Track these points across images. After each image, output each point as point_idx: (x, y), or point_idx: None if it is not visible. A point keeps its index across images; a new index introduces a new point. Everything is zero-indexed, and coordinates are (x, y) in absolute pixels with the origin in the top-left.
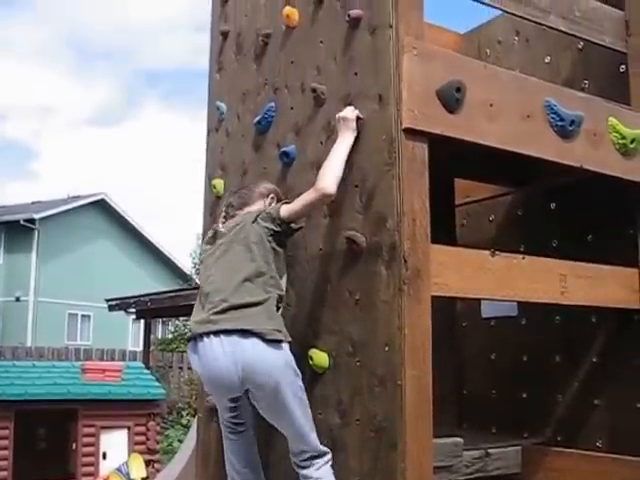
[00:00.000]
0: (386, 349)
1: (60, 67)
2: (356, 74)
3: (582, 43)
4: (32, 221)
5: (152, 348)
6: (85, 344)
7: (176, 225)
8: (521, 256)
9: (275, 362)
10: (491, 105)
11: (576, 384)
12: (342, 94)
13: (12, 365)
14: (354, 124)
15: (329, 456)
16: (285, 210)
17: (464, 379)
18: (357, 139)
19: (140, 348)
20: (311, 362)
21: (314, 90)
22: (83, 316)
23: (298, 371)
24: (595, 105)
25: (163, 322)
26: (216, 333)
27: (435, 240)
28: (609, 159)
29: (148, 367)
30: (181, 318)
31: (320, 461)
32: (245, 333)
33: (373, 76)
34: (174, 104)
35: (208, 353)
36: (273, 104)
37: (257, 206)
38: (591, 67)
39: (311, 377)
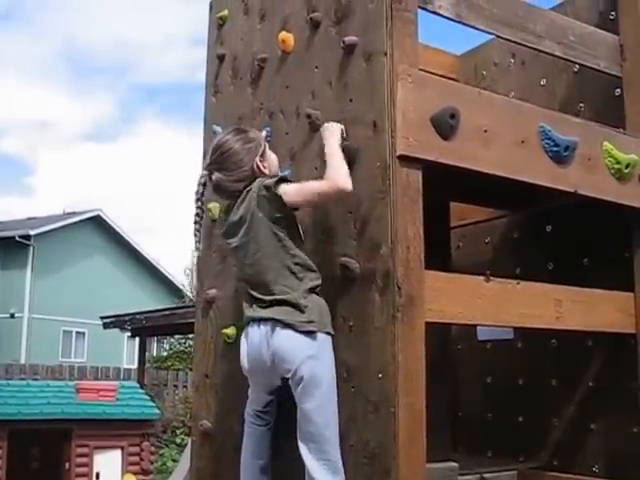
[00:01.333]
0: (380, 376)
1: (57, 82)
2: (351, 100)
3: (578, 66)
4: (27, 237)
5: (147, 366)
6: (79, 361)
7: (172, 242)
8: (516, 281)
9: (302, 350)
10: (485, 131)
11: (572, 408)
12: (337, 120)
13: (6, 384)
14: (336, 128)
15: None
16: (293, 194)
17: (459, 402)
18: (351, 166)
19: (135, 365)
20: None
21: (309, 115)
22: (78, 333)
23: (333, 366)
24: (590, 130)
25: (158, 340)
26: (258, 322)
27: (430, 263)
28: (604, 184)
29: (143, 385)
30: (176, 336)
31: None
32: (278, 323)
33: (368, 102)
34: (171, 119)
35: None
36: (269, 128)
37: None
38: (587, 90)
39: None
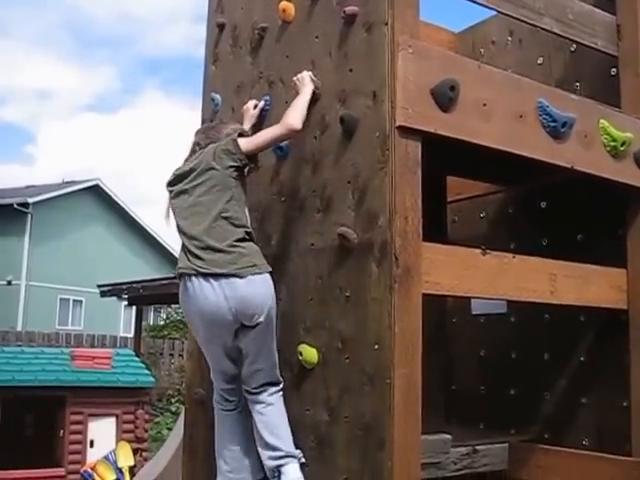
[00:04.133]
0: (376, 347)
1: (61, 52)
2: (351, 70)
3: (574, 45)
4: (25, 205)
5: (143, 334)
6: (76, 329)
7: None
8: (512, 255)
9: (265, 292)
10: (484, 105)
11: (564, 382)
12: (336, 90)
13: (0, 351)
14: (309, 80)
15: (281, 385)
16: (245, 143)
17: (453, 375)
18: (350, 136)
19: (131, 334)
20: (300, 357)
21: None
22: (75, 301)
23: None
24: (587, 107)
25: (155, 309)
26: (204, 276)
27: (426, 237)
28: (600, 161)
29: (139, 354)
30: (173, 305)
31: (273, 388)
32: (229, 276)
33: (368, 73)
34: (172, 93)
35: (198, 294)
36: (268, 97)
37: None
38: (583, 69)
39: (300, 372)
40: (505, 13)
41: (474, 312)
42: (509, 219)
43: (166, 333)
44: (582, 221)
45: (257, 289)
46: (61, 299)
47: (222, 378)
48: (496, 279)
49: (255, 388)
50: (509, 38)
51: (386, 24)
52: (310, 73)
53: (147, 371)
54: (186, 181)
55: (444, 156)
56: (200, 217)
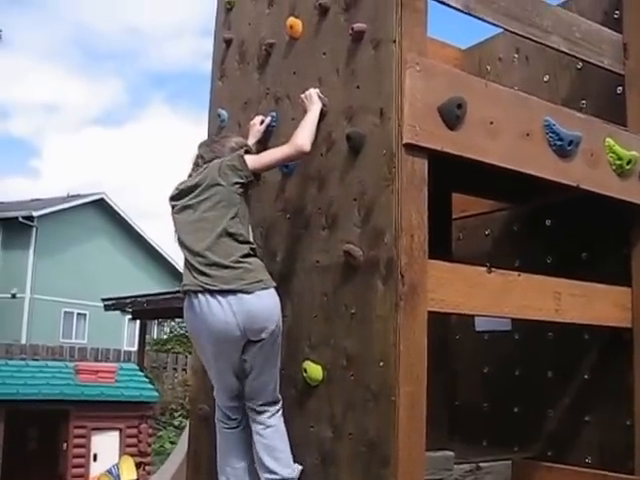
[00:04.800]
0: (381, 364)
1: (67, 66)
2: (358, 87)
3: (581, 63)
4: (30, 218)
5: (147, 348)
6: (80, 342)
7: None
8: (517, 273)
9: (272, 306)
10: (491, 123)
11: (567, 400)
12: (344, 107)
13: (5, 364)
14: (317, 97)
15: (281, 404)
16: (253, 161)
17: (456, 391)
18: (357, 153)
19: (135, 348)
20: (305, 374)
21: None
22: (79, 314)
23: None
24: (593, 125)
25: (158, 322)
26: (211, 292)
27: (431, 253)
28: (605, 179)
29: (142, 368)
30: (177, 319)
31: (273, 408)
32: (237, 292)
33: (375, 90)
34: (178, 106)
35: (206, 311)
36: (275, 114)
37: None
38: (589, 87)
39: (304, 389)
40: (512, 31)
41: (478, 329)
42: (514, 237)
43: (169, 347)
44: (587, 239)
45: (264, 304)
46: (65, 312)
47: (227, 395)
48: (501, 297)
49: (258, 406)
50: (515, 55)
51: (394, 42)
52: (317, 91)
53: (151, 386)
54: (191, 196)
55: (450, 173)
56: (205, 233)
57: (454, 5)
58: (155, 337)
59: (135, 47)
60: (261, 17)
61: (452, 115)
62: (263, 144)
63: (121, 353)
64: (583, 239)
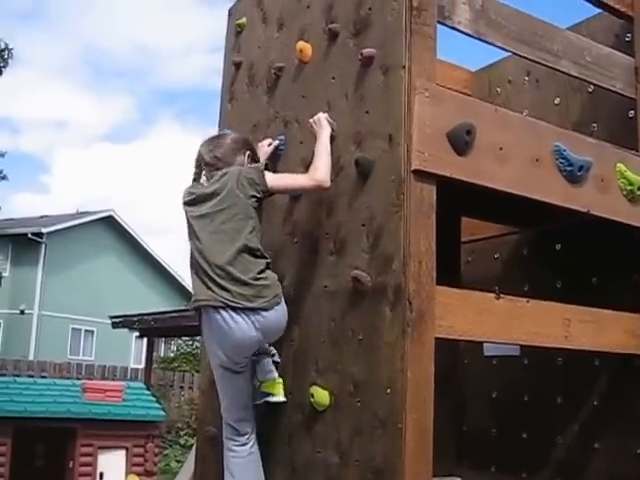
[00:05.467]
0: (388, 391)
1: (78, 83)
2: (367, 112)
3: (592, 86)
4: (40, 235)
5: (154, 366)
6: (87, 359)
7: (181, 245)
8: (526, 299)
9: (285, 316)
10: (501, 148)
11: (576, 427)
12: (352, 132)
13: (13, 381)
14: (326, 122)
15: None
16: (272, 180)
17: (464, 416)
18: (365, 178)
19: (142, 365)
20: (312, 399)
21: None
22: (86, 331)
23: None
24: (604, 151)
25: (165, 340)
26: (234, 309)
27: (440, 277)
28: (616, 205)
29: (149, 386)
30: (184, 337)
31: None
32: (258, 309)
33: (384, 116)
34: (188, 123)
35: (232, 326)
36: (283, 137)
37: (235, 162)
38: (600, 111)
39: (311, 414)
40: (523, 56)
41: (486, 353)
42: (523, 260)
43: (176, 365)
44: (597, 264)
45: (280, 317)
46: (73, 329)
47: (237, 406)
48: (510, 323)
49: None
50: (526, 78)
51: (403, 67)
52: (326, 115)
53: (158, 405)
54: (209, 204)
55: (459, 197)
56: (224, 246)
57: (464, 30)
58: (162, 355)
59: (145, 64)
60: (271, 40)
61: (461, 141)
62: (271, 168)
63: (128, 370)
64: (593, 264)
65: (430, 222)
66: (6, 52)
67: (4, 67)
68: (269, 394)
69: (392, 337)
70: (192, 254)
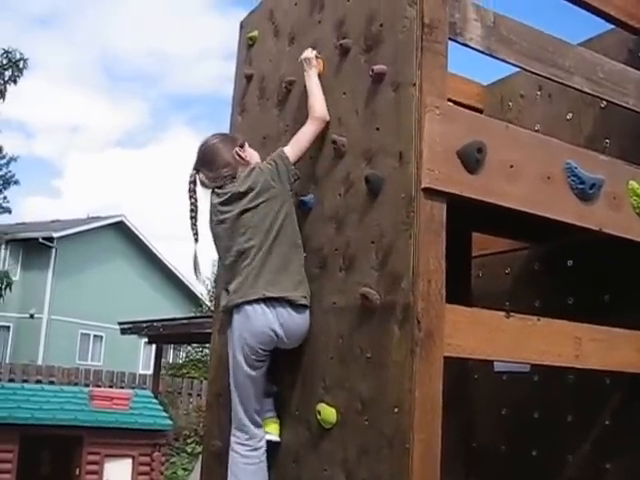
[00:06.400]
0: (395, 410)
1: (91, 88)
2: (377, 129)
3: (605, 102)
4: (50, 239)
5: (162, 373)
6: (96, 364)
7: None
8: (536, 318)
9: (303, 327)
10: (511, 166)
11: (587, 446)
12: (362, 148)
13: (20, 387)
14: (314, 61)
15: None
16: (293, 152)
17: (473, 432)
18: (375, 195)
19: (151, 371)
20: (319, 416)
21: (334, 142)
22: (95, 336)
23: None
24: (616, 168)
25: (174, 347)
26: (257, 301)
27: (450, 292)
28: (628, 223)
29: (158, 392)
30: (193, 344)
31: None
32: (280, 300)
33: (394, 133)
34: (200, 129)
35: (252, 318)
36: None
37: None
38: (613, 126)
39: (318, 432)
40: (534, 72)
41: (496, 369)
42: (534, 276)
43: (185, 372)
44: (610, 281)
45: (304, 321)
46: (82, 334)
47: (258, 398)
48: (520, 342)
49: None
50: (538, 92)
51: (414, 85)
52: (315, 52)
53: (165, 413)
54: (247, 199)
55: (470, 213)
56: (261, 241)
57: (476, 47)
58: (171, 361)
59: (158, 70)
60: (282, 54)
61: (472, 159)
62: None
63: (136, 377)
64: (605, 281)
65: (440, 240)
66: (21, 62)
67: (18, 77)
68: (265, 432)
69: (400, 356)
70: (228, 254)
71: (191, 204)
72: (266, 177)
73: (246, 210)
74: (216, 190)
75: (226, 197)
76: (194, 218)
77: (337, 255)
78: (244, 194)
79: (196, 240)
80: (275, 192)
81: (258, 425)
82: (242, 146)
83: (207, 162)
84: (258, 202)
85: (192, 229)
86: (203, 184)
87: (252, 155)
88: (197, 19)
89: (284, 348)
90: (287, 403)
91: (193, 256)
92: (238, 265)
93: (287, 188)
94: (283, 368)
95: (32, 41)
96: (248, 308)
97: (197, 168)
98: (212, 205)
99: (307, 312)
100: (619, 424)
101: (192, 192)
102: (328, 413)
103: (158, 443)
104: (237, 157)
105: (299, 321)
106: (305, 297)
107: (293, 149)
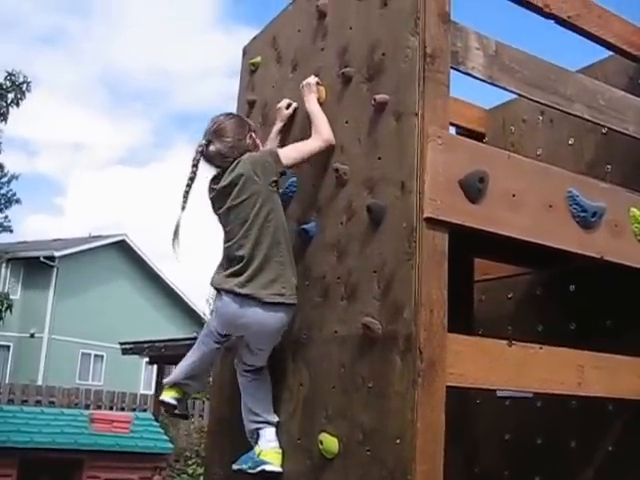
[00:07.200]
0: (397, 441)
1: (94, 106)
2: (380, 158)
3: (606, 128)
4: (52, 258)
5: None
6: (96, 384)
7: (194, 269)
8: (538, 346)
9: (270, 324)
10: (514, 195)
11: (591, 472)
12: (364, 177)
13: (20, 410)
14: (315, 88)
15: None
16: (288, 156)
17: (476, 457)
18: (377, 225)
19: (152, 391)
20: (321, 446)
21: (336, 170)
22: (96, 356)
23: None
24: (617, 195)
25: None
26: (227, 292)
27: (452, 317)
28: (630, 250)
29: (158, 414)
30: None
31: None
32: (248, 297)
33: (396, 162)
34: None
35: (222, 305)
36: (295, 179)
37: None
38: (614, 152)
39: (320, 462)
40: (535, 100)
41: (499, 394)
42: (537, 301)
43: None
44: (612, 307)
45: (271, 320)
46: (83, 353)
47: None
48: (522, 371)
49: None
50: (540, 117)
51: (416, 114)
52: (317, 79)
53: (166, 437)
54: (232, 196)
55: (472, 241)
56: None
57: (477, 75)
58: None
59: (162, 88)
60: (284, 81)
61: (474, 189)
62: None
63: (137, 397)
64: (608, 306)
65: (442, 270)
66: (24, 85)
67: (21, 99)
68: (267, 462)
69: (402, 387)
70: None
71: (191, 172)
72: (250, 168)
73: (232, 207)
74: (212, 185)
75: (215, 193)
76: (189, 187)
77: (339, 284)
78: (229, 188)
79: (183, 209)
80: (257, 188)
81: None
82: (255, 132)
83: (221, 135)
84: (241, 199)
85: (183, 197)
86: (210, 157)
87: (260, 144)
88: (201, 37)
89: (253, 343)
90: (289, 432)
91: (175, 225)
92: (228, 253)
93: (269, 182)
94: (285, 397)
95: (36, 59)
96: (222, 295)
97: (209, 140)
98: (209, 198)
99: (280, 309)
100: (623, 451)
101: (196, 162)
102: (330, 443)
103: (159, 466)
104: (250, 140)
105: (265, 318)
106: (278, 294)
107: (288, 150)
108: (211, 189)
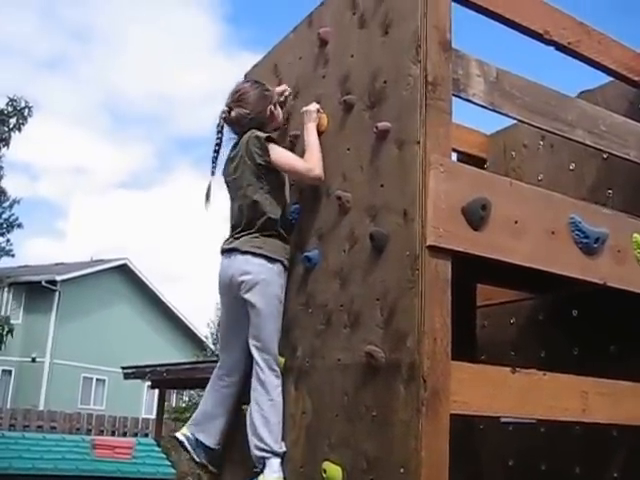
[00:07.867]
0: (401, 470)
1: (96, 130)
2: (382, 186)
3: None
4: (54, 282)
5: (165, 417)
6: (98, 409)
7: (196, 293)
8: (542, 373)
9: (255, 272)
10: (516, 222)
11: None
12: (367, 204)
13: (21, 437)
14: (315, 115)
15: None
16: (277, 157)
17: None
18: (380, 252)
19: (154, 415)
20: (324, 475)
21: (339, 197)
22: (98, 380)
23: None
24: (619, 221)
25: (177, 391)
26: (221, 253)
27: (455, 343)
28: (633, 276)
29: (160, 438)
30: (196, 388)
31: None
32: (233, 250)
33: (399, 190)
34: (205, 171)
35: (220, 267)
36: (298, 206)
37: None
38: (616, 177)
39: None
40: (537, 126)
41: (503, 420)
42: (539, 326)
43: (188, 416)
44: (615, 332)
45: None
46: (84, 378)
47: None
48: (526, 398)
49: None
50: (541, 142)
51: (418, 142)
52: (318, 106)
53: (168, 462)
54: (230, 170)
55: (475, 267)
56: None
57: (479, 102)
58: (174, 405)
59: (164, 112)
60: (286, 108)
61: (476, 216)
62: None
63: (139, 421)
64: (611, 331)
65: (445, 298)
66: (26, 110)
67: (23, 125)
68: None
69: (406, 415)
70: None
71: (217, 138)
72: (244, 148)
73: (231, 180)
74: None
75: (226, 160)
76: (217, 152)
77: (342, 312)
78: (231, 161)
79: (212, 174)
80: (249, 168)
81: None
82: (275, 106)
83: (242, 104)
84: (236, 175)
85: (212, 162)
86: (231, 122)
87: (278, 114)
88: (203, 62)
89: (246, 294)
90: (292, 460)
91: (207, 187)
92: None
93: (258, 169)
94: (288, 425)
95: (38, 84)
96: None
97: (231, 106)
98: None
99: (260, 258)
100: (627, 476)
101: (220, 128)
102: (333, 471)
103: None
104: (269, 112)
105: (244, 264)
106: (257, 247)
107: (282, 155)
108: (228, 156)
